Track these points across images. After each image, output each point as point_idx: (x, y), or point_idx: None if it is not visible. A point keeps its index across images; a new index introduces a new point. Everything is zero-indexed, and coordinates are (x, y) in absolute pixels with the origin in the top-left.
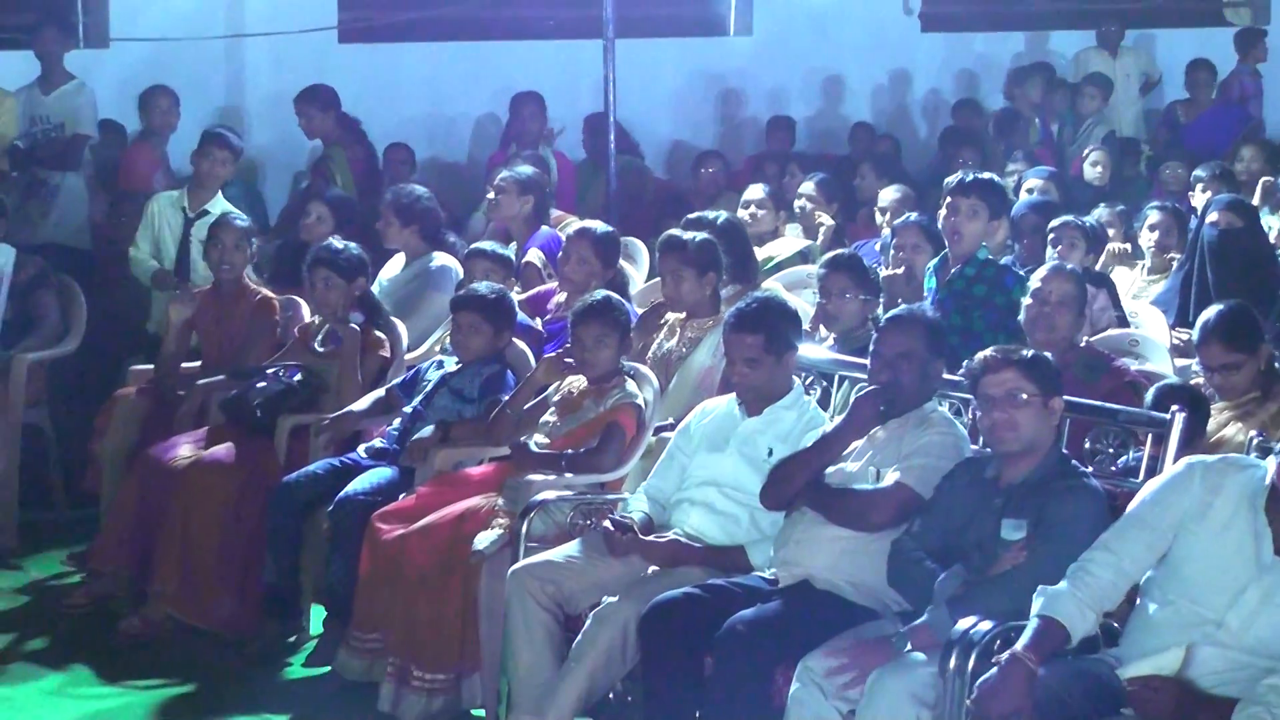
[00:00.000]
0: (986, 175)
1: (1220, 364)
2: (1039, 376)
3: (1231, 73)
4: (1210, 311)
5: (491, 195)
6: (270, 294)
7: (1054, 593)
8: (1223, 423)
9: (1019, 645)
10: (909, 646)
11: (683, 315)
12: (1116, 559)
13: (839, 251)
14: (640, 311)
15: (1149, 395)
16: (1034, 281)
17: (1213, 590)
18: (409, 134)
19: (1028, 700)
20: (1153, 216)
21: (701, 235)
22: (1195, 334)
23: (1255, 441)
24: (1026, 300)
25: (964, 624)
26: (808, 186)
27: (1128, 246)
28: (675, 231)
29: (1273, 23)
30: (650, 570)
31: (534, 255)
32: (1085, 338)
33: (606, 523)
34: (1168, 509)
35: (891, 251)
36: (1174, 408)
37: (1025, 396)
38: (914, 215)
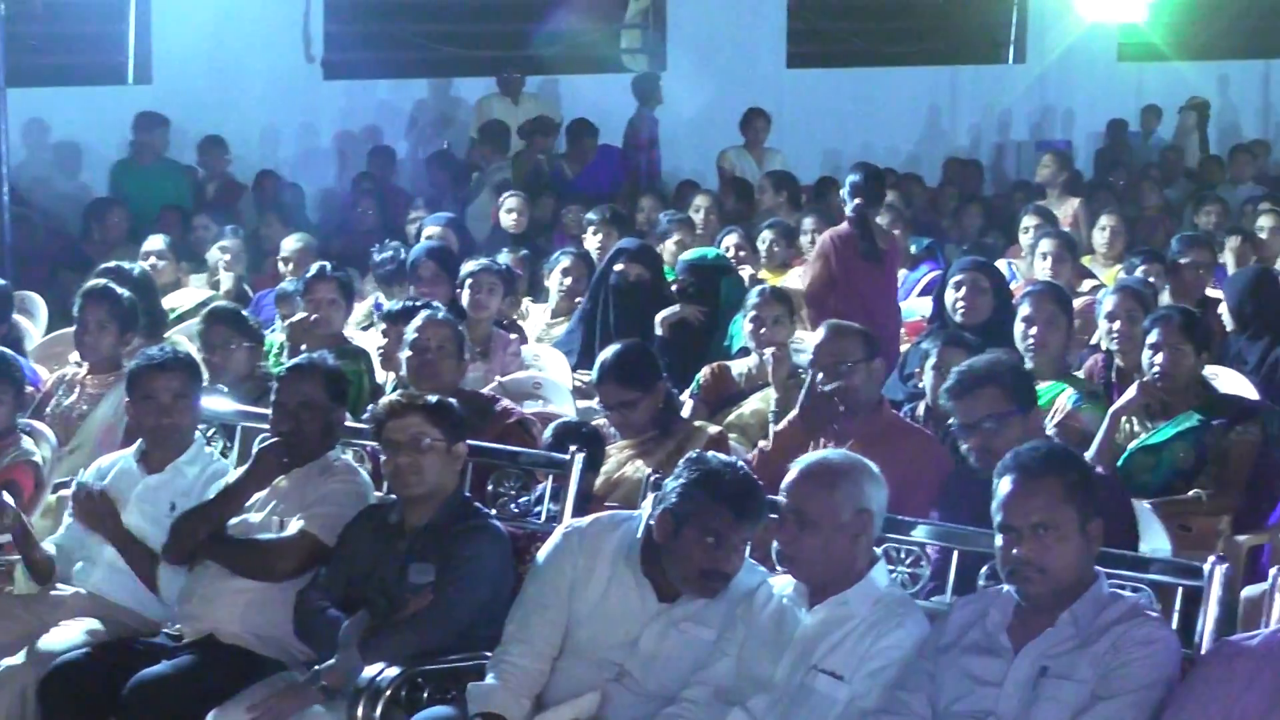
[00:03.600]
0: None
1: (617, 401)
2: (443, 422)
3: (637, 117)
4: (608, 351)
5: None
6: None
7: (486, 689)
8: (623, 461)
9: None
10: (322, 682)
11: (85, 370)
12: (529, 645)
13: (214, 305)
14: (38, 367)
15: (547, 433)
16: (410, 332)
17: (609, 646)
18: None
19: None
20: (564, 262)
21: (128, 292)
22: (595, 373)
23: (652, 479)
24: (406, 353)
25: (370, 671)
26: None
27: None
28: (107, 283)
29: (668, 69)
30: (52, 629)
31: None
32: (497, 379)
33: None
34: (555, 581)
35: (300, 299)
36: (573, 448)
37: (429, 441)
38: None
